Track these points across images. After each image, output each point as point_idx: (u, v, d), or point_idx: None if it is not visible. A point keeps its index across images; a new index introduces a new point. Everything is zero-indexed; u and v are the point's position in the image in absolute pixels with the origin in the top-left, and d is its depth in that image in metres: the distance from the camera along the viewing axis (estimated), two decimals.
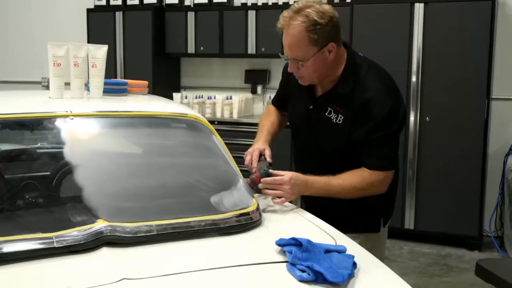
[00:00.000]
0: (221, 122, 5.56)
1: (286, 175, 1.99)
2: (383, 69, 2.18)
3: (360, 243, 1.96)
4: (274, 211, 1.98)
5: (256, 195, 1.99)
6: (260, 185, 1.99)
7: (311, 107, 2.19)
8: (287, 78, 2.31)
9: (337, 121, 2.11)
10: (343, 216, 2.07)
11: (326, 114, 2.14)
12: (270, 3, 5.56)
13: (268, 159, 2.16)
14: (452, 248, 4.73)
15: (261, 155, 2.18)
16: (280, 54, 2.10)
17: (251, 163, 2.15)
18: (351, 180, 2.07)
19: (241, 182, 1.95)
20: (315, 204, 2.20)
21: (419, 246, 4.81)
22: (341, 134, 2.11)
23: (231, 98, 5.74)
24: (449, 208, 4.73)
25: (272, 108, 2.49)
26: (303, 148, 2.31)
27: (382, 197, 2.20)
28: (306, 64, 2.03)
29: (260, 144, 2.25)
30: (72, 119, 1.92)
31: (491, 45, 4.55)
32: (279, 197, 2.00)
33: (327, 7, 2.03)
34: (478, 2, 4.55)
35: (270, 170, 2.01)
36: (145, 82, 2.57)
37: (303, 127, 2.24)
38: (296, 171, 2.14)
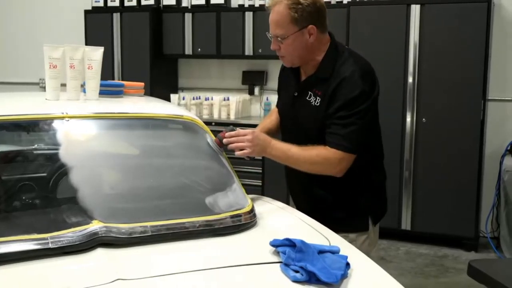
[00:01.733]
0: (218, 123, 5.57)
1: (249, 130, 2.11)
2: (364, 58, 2.24)
3: (350, 242, 1.97)
4: (268, 212, 1.99)
5: (250, 196, 2.00)
6: (224, 140, 2.08)
7: (296, 94, 2.27)
8: (280, 76, 2.44)
9: (315, 103, 2.18)
10: (331, 216, 2.09)
11: (307, 98, 2.21)
12: (267, 5, 5.55)
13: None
14: (448, 249, 4.75)
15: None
16: (266, 32, 2.22)
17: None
18: (309, 152, 2.11)
19: (210, 141, 2.07)
20: (303, 204, 2.24)
21: (415, 246, 4.82)
22: (319, 116, 2.16)
23: (228, 99, 5.75)
24: (446, 209, 4.74)
25: (274, 109, 2.56)
26: (288, 133, 2.36)
27: (369, 195, 2.25)
28: (285, 42, 2.14)
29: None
30: (68, 120, 1.93)
31: (487, 46, 4.57)
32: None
33: None
34: (474, 4, 4.57)
35: (236, 128, 2.12)
36: (141, 84, 2.57)
37: (289, 113, 2.32)
38: None
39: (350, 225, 2.23)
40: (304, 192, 2.32)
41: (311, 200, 2.26)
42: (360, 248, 2.07)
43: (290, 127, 2.34)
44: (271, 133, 2.41)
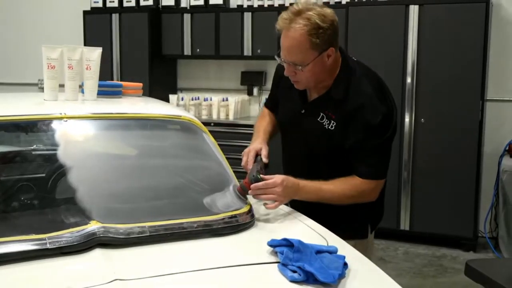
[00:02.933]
0: (217, 124, 5.57)
1: (278, 177, 1.93)
2: (376, 74, 2.15)
3: None
4: (267, 213, 1.99)
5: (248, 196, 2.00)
6: (250, 192, 1.91)
7: (303, 111, 2.15)
8: (279, 78, 2.25)
9: (329, 127, 2.07)
10: (331, 223, 2.03)
11: (319, 119, 2.10)
12: (266, 5, 5.57)
13: (264, 159, 2.11)
14: (447, 249, 4.75)
15: (257, 155, 2.13)
16: (276, 56, 2.05)
17: (247, 164, 2.11)
18: (342, 187, 2.04)
19: (232, 188, 1.92)
20: (302, 210, 2.20)
21: (414, 247, 4.83)
22: (333, 141, 2.07)
23: (227, 99, 5.75)
24: (444, 209, 4.75)
25: (266, 110, 2.46)
26: (292, 151, 2.27)
27: (371, 204, 2.19)
28: (305, 69, 1.98)
29: (256, 144, 2.19)
30: (66, 121, 1.93)
31: (485, 47, 4.58)
32: (272, 201, 1.95)
33: (328, 10, 1.98)
34: (472, 4, 4.58)
35: (260, 175, 1.94)
36: (140, 84, 2.58)
37: (294, 130, 2.21)
38: (284, 172, 2.12)
39: (350, 233, 2.12)
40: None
41: (310, 207, 2.19)
42: None
43: (295, 144, 2.24)
44: (273, 136, 2.35)
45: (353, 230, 2.20)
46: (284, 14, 1.97)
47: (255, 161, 2.10)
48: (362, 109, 2.00)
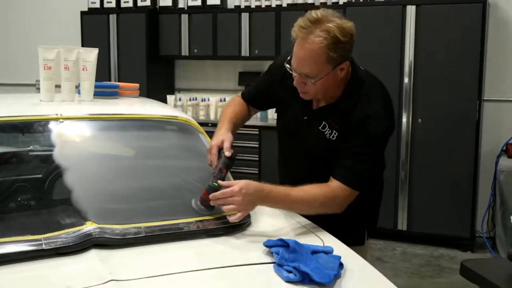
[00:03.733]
0: (215, 124, 5.49)
1: (236, 185, 1.76)
2: (383, 85, 2.08)
3: None
4: (262, 213, 1.99)
5: None
6: (211, 202, 1.78)
7: (305, 117, 2.08)
8: (281, 78, 2.11)
9: (331, 137, 2.01)
10: (328, 230, 1.93)
11: (320, 128, 2.03)
12: (263, 6, 5.58)
13: (227, 153, 1.89)
14: (444, 249, 4.75)
15: (220, 150, 1.94)
16: (286, 64, 1.95)
17: (211, 164, 1.93)
18: (313, 192, 1.90)
19: (193, 203, 1.81)
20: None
21: (412, 247, 4.83)
22: (333, 150, 2.01)
23: (225, 100, 5.75)
24: (442, 209, 4.75)
25: (238, 99, 2.31)
26: (290, 155, 2.23)
27: (368, 211, 2.17)
28: (316, 83, 1.89)
29: (218, 136, 2.00)
30: (62, 122, 1.93)
31: (482, 47, 4.58)
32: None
33: (348, 24, 1.86)
34: (469, 4, 4.59)
35: (218, 182, 1.79)
36: (136, 85, 2.58)
37: (294, 135, 2.15)
38: (280, 173, 2.10)
39: (347, 240, 1.98)
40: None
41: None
42: None
43: (294, 150, 2.18)
44: (237, 129, 2.20)
45: (351, 237, 2.06)
46: (301, 22, 1.85)
47: (218, 158, 1.91)
48: (368, 120, 1.94)
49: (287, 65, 1.95)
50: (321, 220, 1.95)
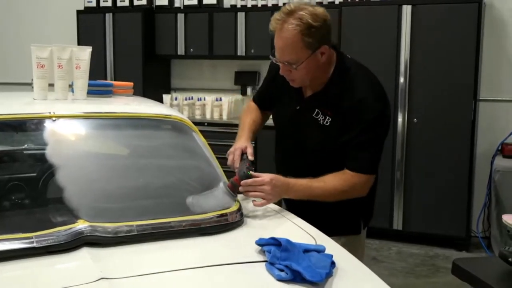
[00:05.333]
0: (210, 124, 5.57)
1: (267, 176, 1.95)
2: (371, 72, 2.17)
3: (342, 246, 1.96)
4: (256, 211, 1.99)
5: (238, 196, 2.00)
6: (240, 188, 1.94)
7: (298, 107, 2.18)
8: (274, 75, 2.25)
9: (325, 123, 2.10)
10: (325, 219, 2.05)
11: (314, 115, 2.13)
12: (259, 5, 5.58)
13: (250, 157, 2.12)
14: (440, 249, 4.76)
15: (243, 153, 2.15)
16: (271, 56, 2.08)
17: (234, 163, 2.13)
18: (333, 183, 2.05)
19: (222, 184, 1.92)
20: (297, 207, 2.21)
21: (407, 246, 4.83)
22: (328, 136, 2.10)
23: (220, 99, 5.75)
24: (437, 209, 4.76)
25: (253, 105, 2.47)
26: (288, 148, 2.29)
27: (363, 199, 2.21)
28: (299, 68, 2.01)
29: (241, 143, 2.21)
30: (55, 120, 1.92)
31: (478, 47, 4.59)
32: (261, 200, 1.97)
33: (320, 9, 2.01)
34: (465, 4, 4.59)
35: (250, 172, 1.96)
36: (130, 84, 2.57)
37: (289, 127, 2.23)
38: (278, 172, 2.13)
39: (342, 228, 2.21)
40: None
41: (304, 203, 2.21)
42: (351, 251, 2.06)
43: (289, 141, 2.26)
44: (256, 135, 2.37)
45: (346, 226, 2.24)
46: (276, 15, 2.00)
47: (241, 160, 2.11)
48: (359, 105, 2.04)
49: (272, 57, 2.07)
50: (317, 211, 2.06)
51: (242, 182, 1.93)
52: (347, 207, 2.17)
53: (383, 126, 2.11)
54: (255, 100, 2.49)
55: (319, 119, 2.11)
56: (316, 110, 2.12)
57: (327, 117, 2.10)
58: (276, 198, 1.99)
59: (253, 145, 2.31)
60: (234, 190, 1.92)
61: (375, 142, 2.10)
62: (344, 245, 2.07)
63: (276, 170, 2.32)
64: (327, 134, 2.10)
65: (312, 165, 2.15)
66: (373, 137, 2.07)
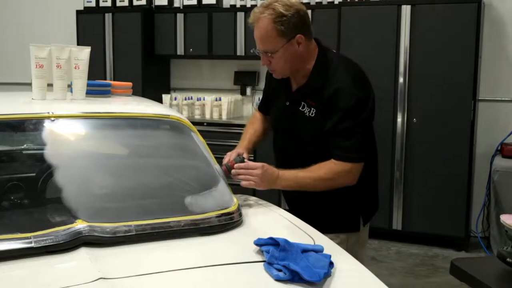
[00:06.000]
0: (210, 124, 5.57)
1: (259, 163, 2.07)
2: (354, 62, 2.24)
3: (341, 243, 1.98)
4: (255, 212, 2.00)
5: (237, 195, 2.00)
6: (233, 171, 2.06)
7: (287, 103, 2.25)
8: (269, 79, 2.39)
9: (310, 114, 2.17)
10: (324, 216, 2.09)
11: (300, 108, 2.20)
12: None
13: (245, 155, 2.23)
14: (439, 249, 4.76)
15: (239, 155, 2.21)
16: (253, 49, 2.20)
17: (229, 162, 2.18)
18: (318, 172, 2.10)
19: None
20: (295, 202, 2.23)
21: (406, 246, 4.83)
22: (316, 127, 2.15)
23: (220, 99, 5.75)
24: (437, 209, 4.75)
25: (257, 115, 2.54)
26: (283, 144, 2.33)
27: (361, 194, 2.23)
28: (276, 56, 2.11)
29: (239, 149, 2.30)
30: (53, 120, 1.92)
31: (477, 47, 4.58)
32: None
33: (294, 1, 2.11)
34: (464, 4, 4.59)
35: (245, 159, 2.11)
36: (129, 84, 2.57)
37: (282, 123, 2.30)
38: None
39: (341, 226, 2.23)
40: (297, 192, 2.31)
41: (303, 200, 2.24)
42: (350, 248, 2.09)
43: (283, 137, 2.32)
44: (257, 145, 2.44)
45: (345, 223, 2.26)
46: (255, 9, 2.13)
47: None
48: (337, 93, 2.10)
49: (254, 50, 2.19)
50: (315, 207, 2.15)
51: (236, 165, 2.07)
52: (344, 202, 2.21)
53: (363, 112, 2.12)
54: (260, 107, 2.56)
55: (305, 112, 2.18)
56: (302, 103, 2.19)
57: (312, 109, 2.17)
58: (265, 185, 2.06)
59: (253, 151, 2.41)
60: (227, 173, 2.06)
61: (356, 130, 2.11)
62: (343, 242, 2.09)
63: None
64: (314, 125, 2.16)
65: (307, 158, 2.18)
66: (352, 125, 2.10)
